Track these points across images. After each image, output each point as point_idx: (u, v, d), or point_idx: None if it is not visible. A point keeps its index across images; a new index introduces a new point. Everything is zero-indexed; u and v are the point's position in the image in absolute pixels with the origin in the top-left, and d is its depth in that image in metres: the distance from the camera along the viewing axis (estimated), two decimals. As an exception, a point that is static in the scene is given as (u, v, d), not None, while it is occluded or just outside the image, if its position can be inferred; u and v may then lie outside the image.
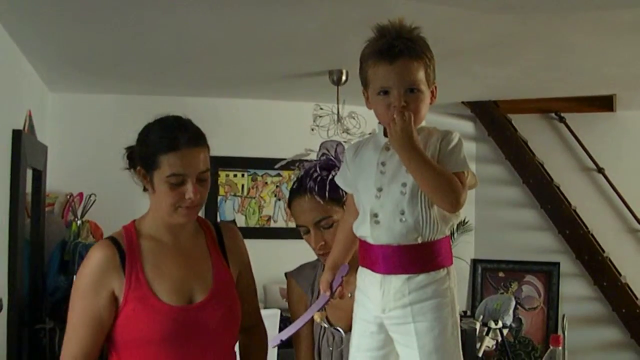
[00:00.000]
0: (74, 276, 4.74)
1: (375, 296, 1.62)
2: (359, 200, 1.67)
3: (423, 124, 1.67)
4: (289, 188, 5.71)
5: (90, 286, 1.79)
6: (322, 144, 2.05)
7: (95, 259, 1.82)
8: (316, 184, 1.92)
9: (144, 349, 1.79)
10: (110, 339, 1.82)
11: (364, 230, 1.63)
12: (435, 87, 1.67)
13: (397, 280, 1.59)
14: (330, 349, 1.98)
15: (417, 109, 1.61)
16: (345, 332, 1.92)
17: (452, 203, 1.56)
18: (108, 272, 1.80)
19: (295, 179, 2.03)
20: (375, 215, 1.60)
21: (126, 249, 1.84)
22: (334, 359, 1.98)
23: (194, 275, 1.89)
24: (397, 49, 1.59)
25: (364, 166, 1.66)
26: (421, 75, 1.60)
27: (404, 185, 1.58)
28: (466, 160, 1.62)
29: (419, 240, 1.58)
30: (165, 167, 1.81)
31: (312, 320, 1.90)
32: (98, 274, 1.80)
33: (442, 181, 1.55)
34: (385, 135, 1.64)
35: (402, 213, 1.57)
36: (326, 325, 1.99)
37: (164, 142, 1.84)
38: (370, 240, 1.62)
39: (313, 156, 2.04)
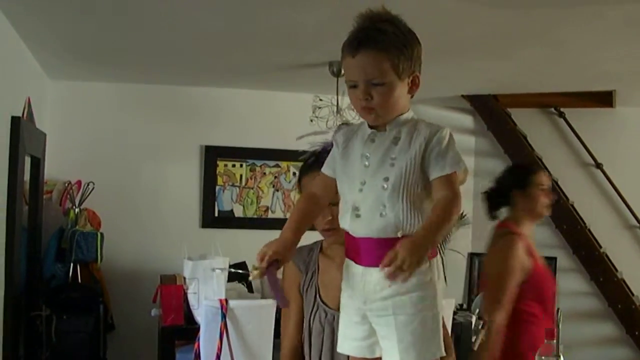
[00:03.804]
0: (78, 264, 4.77)
1: (358, 288, 1.62)
2: (342, 190, 1.66)
3: (410, 113, 1.64)
4: (287, 179, 5.74)
5: None
6: (340, 125, 2.05)
7: None
8: None
9: None
10: None
11: (345, 222, 1.63)
12: (417, 77, 1.61)
13: (377, 273, 1.56)
14: (322, 327, 2.00)
15: (383, 101, 1.57)
16: (336, 311, 1.93)
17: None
18: None
19: (310, 154, 2.03)
20: (357, 209, 1.59)
21: None
22: (325, 337, 2.00)
23: None
24: (357, 41, 1.56)
25: (350, 157, 1.64)
26: (385, 66, 1.55)
27: (386, 179, 1.56)
28: (460, 158, 1.58)
29: (399, 234, 1.56)
30: None
31: (301, 298, 2.04)
32: None
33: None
34: (371, 127, 1.63)
35: (383, 207, 1.56)
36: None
37: None
38: (352, 233, 1.62)
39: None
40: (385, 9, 1.59)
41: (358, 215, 1.59)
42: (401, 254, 1.43)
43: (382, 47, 1.55)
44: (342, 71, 1.64)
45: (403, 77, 1.58)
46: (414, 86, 1.62)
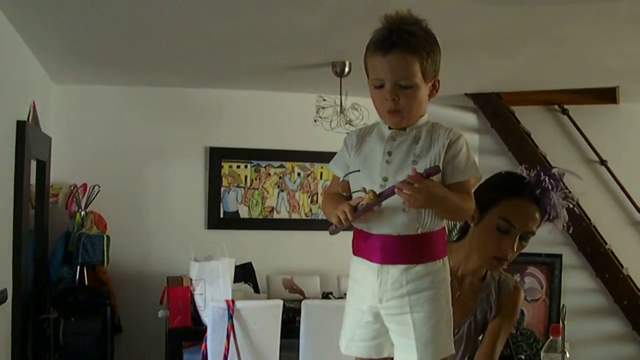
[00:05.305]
0: (85, 267, 4.79)
1: (372, 286, 1.62)
2: (357, 187, 1.66)
3: (427, 116, 1.68)
4: (292, 180, 5.75)
5: None
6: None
7: None
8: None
9: None
10: None
11: (362, 218, 1.63)
12: (438, 81, 1.66)
13: (395, 271, 1.59)
14: None
15: (409, 104, 1.61)
16: None
17: (465, 217, 1.78)
18: None
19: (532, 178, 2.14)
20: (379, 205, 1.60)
21: None
22: None
23: None
24: (390, 41, 1.58)
25: (368, 155, 1.66)
26: (415, 68, 1.59)
27: None
28: (475, 164, 1.64)
29: (419, 231, 1.59)
30: None
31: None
32: None
33: (458, 208, 1.60)
34: (390, 127, 1.66)
35: None
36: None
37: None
38: (370, 230, 1.62)
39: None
40: (411, 13, 1.63)
41: (380, 212, 1.60)
42: (427, 183, 1.51)
43: (414, 49, 1.59)
44: (367, 68, 1.66)
45: (427, 81, 1.62)
46: (434, 90, 1.67)
